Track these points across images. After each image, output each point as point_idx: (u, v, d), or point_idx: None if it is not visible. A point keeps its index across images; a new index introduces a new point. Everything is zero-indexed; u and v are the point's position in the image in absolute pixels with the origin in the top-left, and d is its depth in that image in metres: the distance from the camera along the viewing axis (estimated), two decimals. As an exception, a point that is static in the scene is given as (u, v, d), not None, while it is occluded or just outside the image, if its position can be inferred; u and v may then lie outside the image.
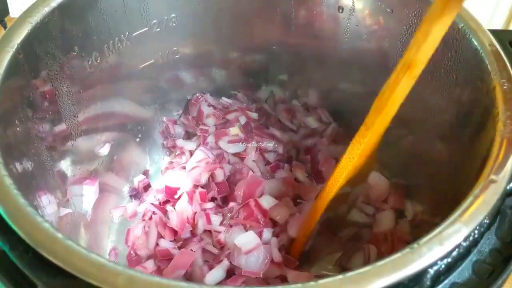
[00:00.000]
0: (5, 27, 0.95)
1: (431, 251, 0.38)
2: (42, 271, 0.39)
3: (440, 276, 0.41)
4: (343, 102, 0.83)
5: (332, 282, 0.36)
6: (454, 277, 0.42)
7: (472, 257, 0.43)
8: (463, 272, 0.42)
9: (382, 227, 0.70)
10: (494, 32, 0.56)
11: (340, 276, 0.36)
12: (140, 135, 0.83)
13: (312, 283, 0.36)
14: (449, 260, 0.41)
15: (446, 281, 0.41)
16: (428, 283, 0.40)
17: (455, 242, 0.39)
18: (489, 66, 0.53)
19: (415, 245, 0.39)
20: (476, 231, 0.42)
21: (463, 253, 0.42)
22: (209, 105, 0.85)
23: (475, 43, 0.55)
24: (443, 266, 0.41)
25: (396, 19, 0.66)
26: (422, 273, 0.39)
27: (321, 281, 0.36)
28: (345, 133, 0.84)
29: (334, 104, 0.85)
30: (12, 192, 0.41)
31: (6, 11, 0.94)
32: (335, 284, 0.36)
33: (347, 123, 0.84)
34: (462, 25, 0.57)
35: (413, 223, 0.71)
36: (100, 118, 0.73)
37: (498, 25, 1.26)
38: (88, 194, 0.72)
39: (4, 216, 0.40)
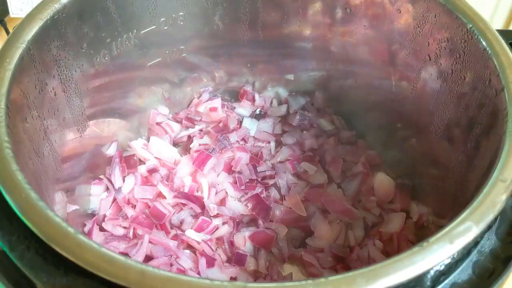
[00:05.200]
0: (5, 27, 0.95)
1: (441, 249, 0.38)
2: (42, 271, 0.39)
3: (440, 276, 0.41)
4: (351, 103, 0.84)
5: (344, 278, 0.36)
6: (454, 277, 0.42)
7: (472, 257, 0.43)
8: (463, 272, 0.43)
9: (390, 228, 0.70)
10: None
11: (351, 273, 0.36)
12: (145, 133, 0.83)
13: (322, 279, 0.36)
14: (450, 260, 0.41)
15: (446, 281, 0.42)
16: (428, 283, 0.41)
17: (465, 241, 0.39)
18: (497, 67, 0.53)
19: (425, 243, 0.39)
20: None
21: (464, 254, 0.43)
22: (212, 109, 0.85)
23: (484, 43, 0.55)
24: (443, 267, 0.41)
25: (404, 18, 0.66)
26: (423, 273, 0.39)
27: (332, 278, 0.37)
28: (356, 136, 0.84)
29: (341, 106, 0.85)
30: (23, 186, 0.41)
31: (6, 11, 0.94)
32: (348, 280, 0.36)
33: (355, 125, 0.85)
34: (471, 25, 0.57)
35: (418, 224, 0.71)
36: (107, 115, 0.73)
37: (498, 25, 1.25)
38: (95, 194, 0.73)
39: (16, 210, 0.40)
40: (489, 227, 0.44)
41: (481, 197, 0.41)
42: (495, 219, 0.45)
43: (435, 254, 0.38)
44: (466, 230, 0.39)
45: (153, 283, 0.35)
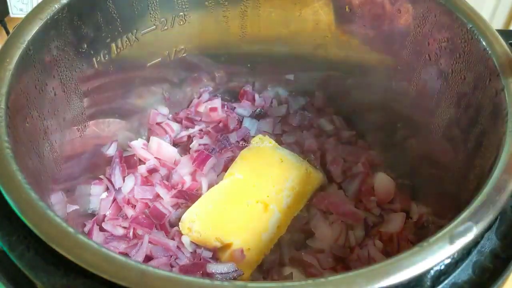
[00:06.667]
0: (5, 27, 0.95)
1: (441, 249, 0.38)
2: (42, 271, 0.40)
3: (440, 276, 0.41)
4: (351, 103, 0.84)
5: (344, 278, 0.36)
6: (454, 277, 0.42)
7: (472, 257, 0.44)
8: (463, 272, 0.43)
9: (390, 228, 0.70)
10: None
11: (351, 273, 0.36)
12: (145, 133, 0.83)
13: (322, 279, 0.36)
14: (450, 260, 0.41)
15: (446, 281, 0.42)
16: (428, 283, 0.41)
17: (465, 241, 0.39)
18: (497, 67, 0.53)
19: (425, 243, 0.39)
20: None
21: (464, 254, 0.43)
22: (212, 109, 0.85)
23: (484, 43, 0.55)
24: (443, 266, 0.41)
25: (404, 19, 0.66)
26: (423, 273, 0.39)
27: (332, 278, 0.37)
28: (356, 136, 0.84)
29: (341, 106, 0.85)
30: (23, 186, 0.41)
31: (6, 11, 0.94)
32: (348, 280, 0.36)
33: (355, 125, 0.85)
34: (471, 25, 0.57)
35: (418, 224, 0.71)
36: (107, 115, 0.73)
37: (498, 25, 1.25)
38: (95, 194, 0.73)
39: (16, 210, 0.40)
40: (489, 227, 0.44)
41: (481, 197, 0.42)
42: (495, 219, 0.45)
43: (435, 254, 0.38)
44: (466, 230, 0.39)
45: (153, 283, 0.35)
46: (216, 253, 0.68)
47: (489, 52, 0.54)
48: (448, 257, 0.39)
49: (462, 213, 0.41)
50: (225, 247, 0.67)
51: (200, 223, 0.67)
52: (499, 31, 0.57)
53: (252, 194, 0.70)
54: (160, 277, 0.35)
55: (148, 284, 0.35)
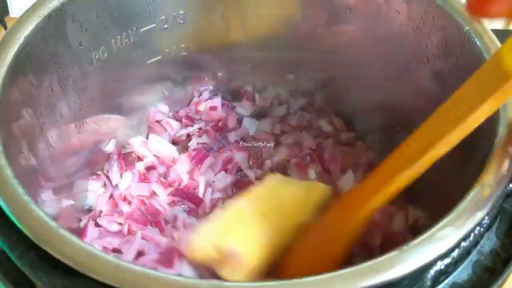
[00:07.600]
0: (5, 27, 0.96)
1: (421, 254, 0.38)
2: (42, 271, 0.40)
3: (440, 276, 0.41)
4: (351, 104, 0.83)
5: (324, 279, 0.36)
6: (454, 277, 0.42)
7: (472, 257, 0.43)
8: (463, 272, 0.43)
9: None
10: (494, 33, 0.56)
11: (348, 269, 0.37)
12: (145, 131, 0.84)
13: (318, 277, 0.36)
14: (449, 260, 0.41)
15: (446, 281, 0.42)
16: (428, 283, 0.40)
17: (446, 246, 0.39)
18: (493, 70, 0.52)
19: (405, 247, 0.39)
20: (476, 231, 0.43)
21: (463, 253, 0.42)
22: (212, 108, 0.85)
23: (480, 46, 0.55)
24: (443, 266, 0.41)
25: (403, 20, 0.66)
26: (422, 273, 0.40)
27: (309, 279, 0.37)
28: (355, 137, 0.83)
29: (341, 107, 0.85)
30: (16, 189, 0.42)
31: (6, 11, 0.95)
32: (349, 277, 0.36)
33: (355, 127, 0.84)
34: (467, 28, 0.56)
35: (413, 228, 0.71)
36: (105, 112, 0.74)
37: (498, 25, 1.23)
38: (93, 190, 0.73)
39: (8, 214, 0.41)
40: (488, 227, 0.44)
41: (465, 202, 0.42)
42: (495, 219, 0.45)
43: (415, 259, 0.38)
44: (447, 235, 0.39)
45: (126, 277, 0.35)
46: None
47: (485, 55, 0.54)
48: (430, 262, 0.39)
49: (444, 218, 0.40)
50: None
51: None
52: (499, 31, 0.56)
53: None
54: (160, 278, 0.36)
55: (120, 278, 0.35)
